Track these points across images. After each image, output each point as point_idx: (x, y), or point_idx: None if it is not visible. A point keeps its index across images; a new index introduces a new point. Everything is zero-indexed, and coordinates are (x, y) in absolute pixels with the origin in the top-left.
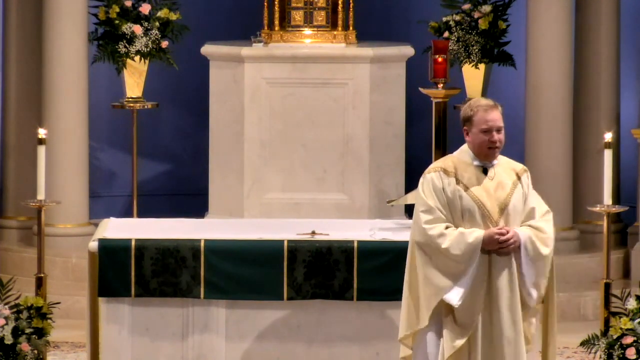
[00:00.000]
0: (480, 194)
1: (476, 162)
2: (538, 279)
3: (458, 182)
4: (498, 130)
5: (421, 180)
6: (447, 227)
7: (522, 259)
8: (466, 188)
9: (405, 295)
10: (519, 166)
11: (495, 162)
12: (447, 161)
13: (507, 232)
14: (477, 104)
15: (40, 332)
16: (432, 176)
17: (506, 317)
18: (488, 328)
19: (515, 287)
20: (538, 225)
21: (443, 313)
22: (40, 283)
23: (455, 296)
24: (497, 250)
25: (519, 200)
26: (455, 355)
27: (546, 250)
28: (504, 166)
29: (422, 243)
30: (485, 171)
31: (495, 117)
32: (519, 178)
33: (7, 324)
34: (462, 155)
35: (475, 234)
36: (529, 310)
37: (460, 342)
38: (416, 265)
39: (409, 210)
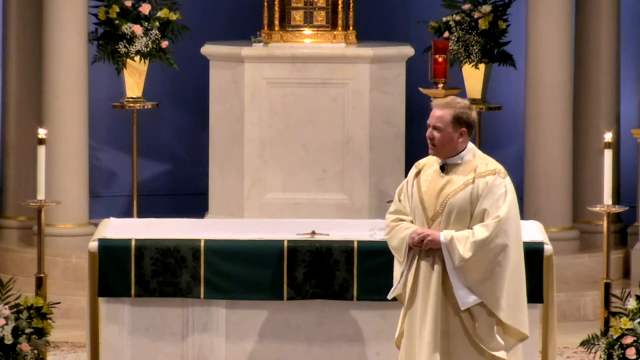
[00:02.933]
0: (426, 191)
1: (439, 160)
2: (469, 282)
3: (417, 177)
4: (435, 129)
5: None
6: (398, 220)
7: (445, 260)
8: (419, 184)
9: None
10: (486, 167)
11: (459, 160)
12: (427, 158)
13: (422, 232)
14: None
15: (40, 332)
16: (411, 170)
17: (426, 315)
18: (419, 323)
19: (439, 289)
20: (474, 228)
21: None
22: (40, 283)
23: (392, 288)
24: (417, 248)
25: (464, 200)
26: (399, 337)
27: (468, 254)
28: (469, 166)
29: None
30: (442, 169)
31: (437, 114)
32: (474, 180)
33: (7, 324)
34: None
35: (409, 230)
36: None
37: (397, 334)
38: None
39: None
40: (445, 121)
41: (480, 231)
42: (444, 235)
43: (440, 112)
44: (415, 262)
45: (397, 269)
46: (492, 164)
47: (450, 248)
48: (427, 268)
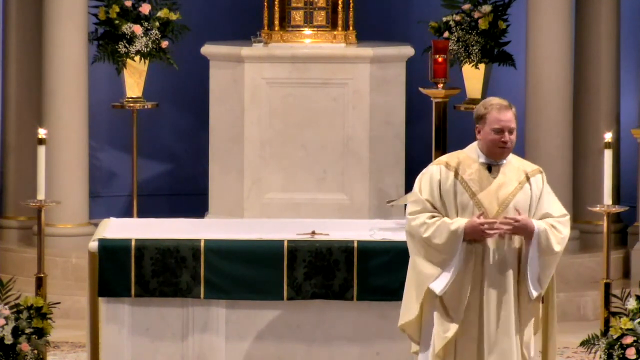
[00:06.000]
0: (478, 190)
1: (482, 160)
2: (543, 274)
3: (457, 176)
4: (510, 131)
5: (423, 171)
6: (432, 217)
7: (530, 249)
8: (465, 183)
9: (406, 284)
10: (532, 167)
11: (503, 161)
12: (452, 156)
13: (485, 218)
14: (491, 102)
15: (40, 332)
16: (433, 169)
17: (495, 313)
18: (477, 322)
19: (510, 284)
20: (555, 225)
21: (437, 304)
22: (40, 283)
23: (438, 285)
24: (483, 236)
25: (523, 200)
26: (446, 346)
27: (558, 247)
28: (513, 166)
29: (408, 232)
30: (489, 169)
31: (508, 117)
32: (528, 179)
33: (7, 324)
34: (470, 151)
35: (457, 223)
36: (531, 311)
37: (449, 334)
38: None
39: None
40: (515, 121)
41: (564, 229)
42: (537, 225)
43: (510, 113)
44: (479, 259)
45: (428, 267)
46: (528, 162)
47: (544, 239)
48: (492, 266)
